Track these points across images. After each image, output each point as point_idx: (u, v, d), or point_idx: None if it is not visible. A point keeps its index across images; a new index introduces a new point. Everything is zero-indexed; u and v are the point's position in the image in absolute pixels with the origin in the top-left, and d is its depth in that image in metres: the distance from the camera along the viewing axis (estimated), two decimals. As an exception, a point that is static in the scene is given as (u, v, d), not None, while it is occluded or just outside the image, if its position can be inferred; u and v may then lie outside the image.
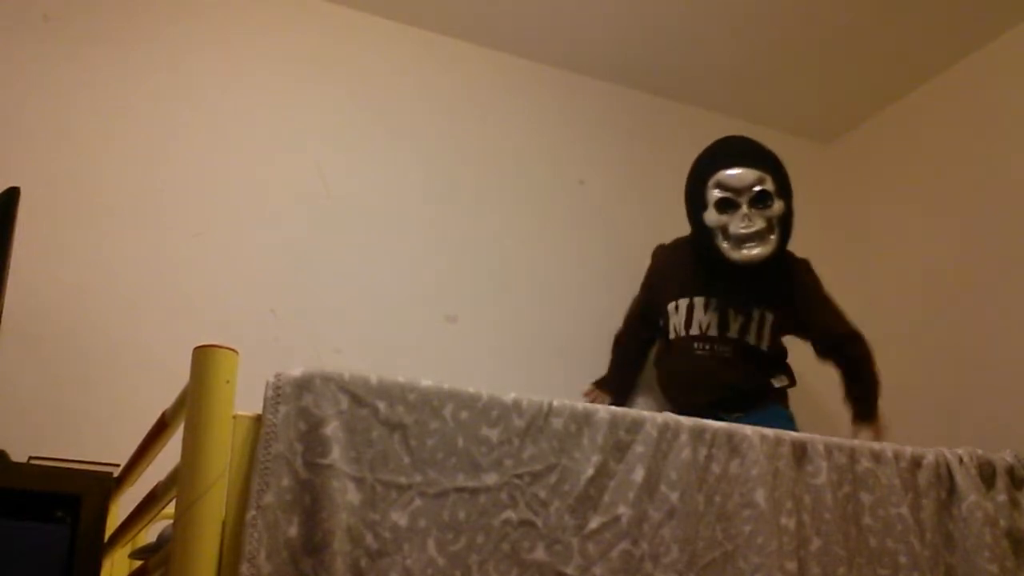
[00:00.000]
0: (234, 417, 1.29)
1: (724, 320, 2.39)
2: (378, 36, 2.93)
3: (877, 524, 1.63)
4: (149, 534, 1.74)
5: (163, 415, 1.46)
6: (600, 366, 2.83)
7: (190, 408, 1.29)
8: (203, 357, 1.30)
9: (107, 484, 1.57)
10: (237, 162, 2.62)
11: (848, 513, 1.62)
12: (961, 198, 2.97)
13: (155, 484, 1.43)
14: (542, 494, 1.44)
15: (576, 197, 3.08)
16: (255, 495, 1.26)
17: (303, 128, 2.74)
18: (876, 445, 1.73)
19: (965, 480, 1.73)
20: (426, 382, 1.42)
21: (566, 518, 1.44)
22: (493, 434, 1.44)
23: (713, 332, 2.39)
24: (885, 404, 2.47)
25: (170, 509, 1.34)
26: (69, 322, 2.29)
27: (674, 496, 1.50)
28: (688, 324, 2.42)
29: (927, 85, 3.16)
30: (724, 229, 2.35)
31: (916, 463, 1.73)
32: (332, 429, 1.33)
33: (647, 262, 2.78)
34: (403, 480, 1.36)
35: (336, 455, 1.31)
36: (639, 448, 1.51)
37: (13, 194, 1.93)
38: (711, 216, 2.37)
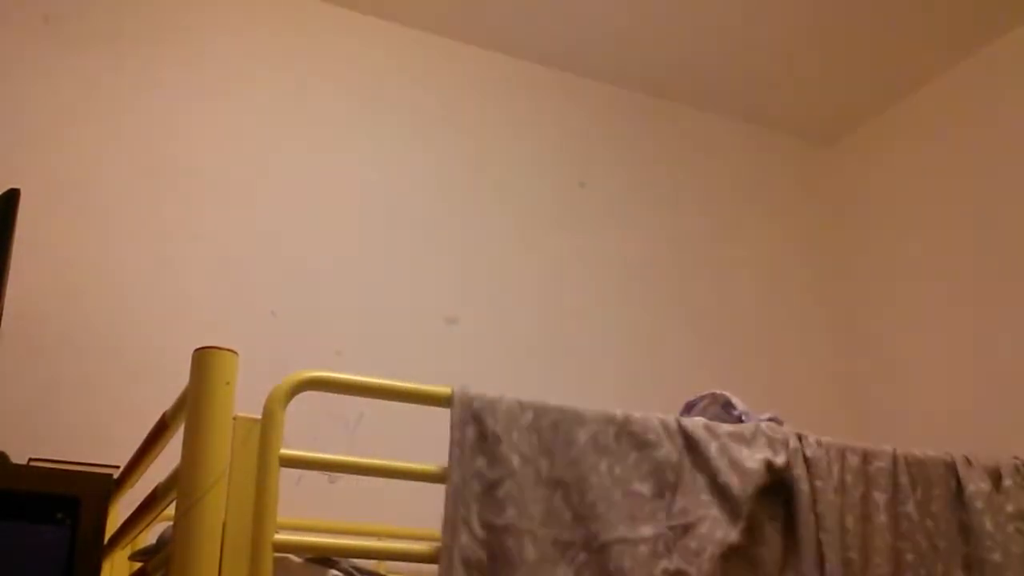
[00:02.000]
0: (234, 418, 1.29)
1: None
2: (378, 38, 2.94)
3: (890, 522, 1.65)
4: (149, 536, 1.74)
5: (163, 416, 1.46)
6: (599, 368, 2.83)
7: (190, 409, 1.28)
8: (203, 358, 1.29)
9: (107, 486, 1.57)
10: (237, 164, 2.62)
11: (863, 513, 1.64)
12: (963, 200, 2.97)
13: (155, 486, 1.43)
14: (692, 544, 1.48)
15: (576, 199, 3.08)
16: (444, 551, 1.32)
17: (303, 130, 2.74)
18: (887, 447, 1.74)
19: (969, 472, 1.75)
20: (583, 435, 1.47)
21: (718, 566, 1.48)
22: (646, 488, 1.49)
23: None
24: (886, 408, 2.46)
25: (170, 510, 1.33)
26: (69, 324, 2.29)
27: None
28: None
29: (928, 87, 3.16)
30: None
31: (922, 463, 1.75)
32: (505, 490, 1.38)
33: (647, 264, 2.77)
34: (567, 536, 1.42)
35: (511, 515, 1.38)
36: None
37: (13, 196, 1.93)
38: None
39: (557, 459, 1.44)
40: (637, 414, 1.55)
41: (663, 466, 1.51)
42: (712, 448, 1.55)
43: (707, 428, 1.59)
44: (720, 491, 1.53)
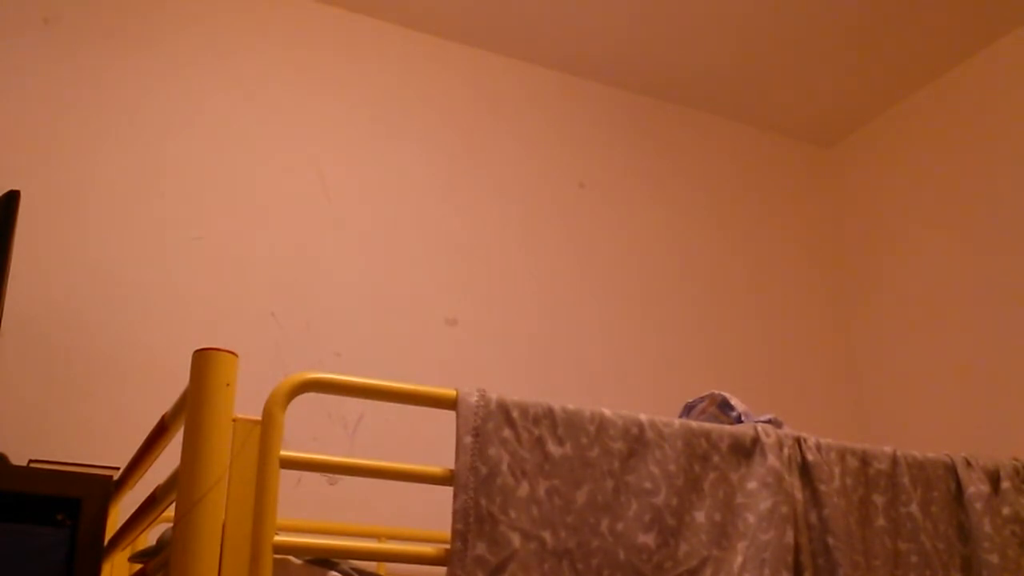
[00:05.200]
0: (234, 420, 1.29)
1: None
2: (377, 39, 2.94)
3: (889, 525, 1.65)
4: (149, 537, 1.74)
5: (163, 418, 1.46)
6: (599, 369, 2.83)
7: (190, 411, 1.28)
8: (203, 360, 1.29)
9: (107, 487, 1.57)
10: (237, 165, 2.62)
11: (862, 517, 1.64)
12: (964, 200, 2.97)
13: (155, 487, 1.43)
14: None
15: (576, 200, 3.08)
16: None
17: (303, 131, 2.74)
18: (887, 449, 1.74)
19: (969, 474, 1.75)
20: (581, 495, 1.45)
21: None
22: (650, 539, 1.47)
23: None
24: (886, 408, 2.46)
25: (170, 512, 1.33)
26: (69, 325, 2.29)
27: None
28: None
29: (929, 88, 3.16)
30: None
31: (922, 465, 1.75)
32: (510, 572, 1.36)
33: (646, 265, 2.77)
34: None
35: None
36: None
37: (13, 197, 1.93)
38: None
39: (559, 527, 1.41)
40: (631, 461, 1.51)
41: (663, 511, 1.49)
42: (706, 485, 1.53)
43: (702, 460, 1.55)
44: (720, 529, 1.52)
